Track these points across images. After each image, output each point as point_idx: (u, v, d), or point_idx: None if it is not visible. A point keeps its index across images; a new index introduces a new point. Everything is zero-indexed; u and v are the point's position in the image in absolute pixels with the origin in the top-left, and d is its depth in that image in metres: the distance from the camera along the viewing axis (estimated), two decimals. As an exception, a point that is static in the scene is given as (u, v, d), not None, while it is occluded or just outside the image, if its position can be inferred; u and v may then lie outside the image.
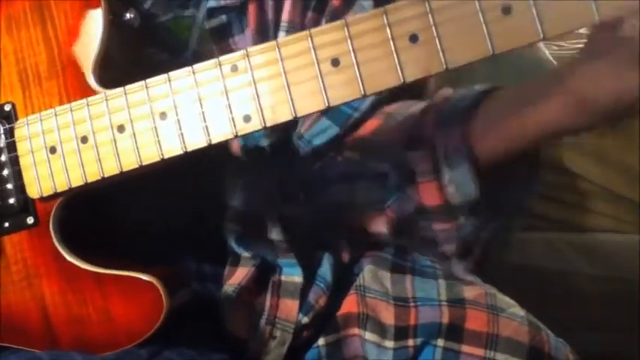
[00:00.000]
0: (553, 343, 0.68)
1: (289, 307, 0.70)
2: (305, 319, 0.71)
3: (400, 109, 0.70)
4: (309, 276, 0.72)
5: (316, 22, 0.71)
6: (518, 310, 0.70)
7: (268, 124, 0.56)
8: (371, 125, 0.71)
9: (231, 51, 0.67)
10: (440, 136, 0.62)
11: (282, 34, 0.70)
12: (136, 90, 0.58)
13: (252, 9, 0.68)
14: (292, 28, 0.71)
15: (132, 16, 0.64)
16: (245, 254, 0.71)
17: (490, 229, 0.64)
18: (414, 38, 0.53)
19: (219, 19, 0.67)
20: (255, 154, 0.69)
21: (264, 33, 0.69)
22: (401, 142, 0.66)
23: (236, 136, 0.56)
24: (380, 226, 0.71)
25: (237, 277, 0.70)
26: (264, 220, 0.70)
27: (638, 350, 1.21)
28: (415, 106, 0.69)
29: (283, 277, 0.71)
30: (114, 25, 0.62)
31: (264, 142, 0.69)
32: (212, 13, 0.67)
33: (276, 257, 0.72)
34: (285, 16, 0.69)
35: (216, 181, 0.71)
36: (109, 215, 0.65)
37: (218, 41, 0.68)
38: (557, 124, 0.56)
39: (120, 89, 0.59)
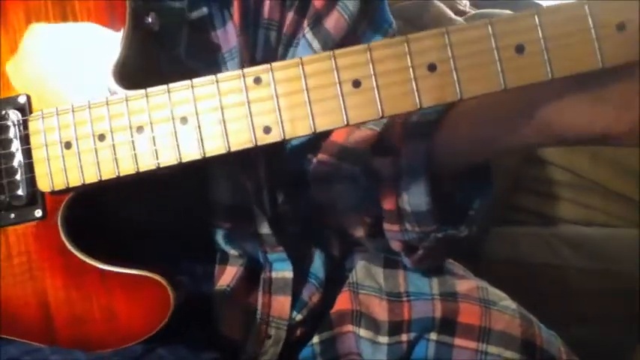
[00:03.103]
0: (545, 336, 0.70)
1: (282, 304, 0.71)
2: (299, 317, 0.72)
3: None
4: (301, 272, 0.74)
5: (297, 24, 0.73)
6: (510, 303, 0.72)
7: (287, 137, 0.58)
8: (343, 130, 0.71)
9: (212, 44, 0.69)
10: (405, 146, 0.65)
11: (262, 31, 0.72)
12: (157, 93, 0.59)
13: (236, 4, 0.69)
14: (271, 26, 0.72)
15: (152, 20, 0.65)
16: (233, 252, 0.72)
17: (433, 237, 0.66)
18: (432, 67, 0.56)
19: (201, 11, 0.68)
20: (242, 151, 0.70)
21: (247, 29, 0.69)
22: (369, 149, 0.68)
23: (255, 146, 0.58)
24: (357, 230, 0.73)
25: (227, 276, 0.71)
26: (252, 215, 0.70)
27: (629, 342, 1.24)
28: None
29: (274, 274, 0.72)
30: (136, 29, 0.63)
31: None
32: (194, 4, 0.67)
33: (265, 253, 0.72)
34: (265, 13, 0.70)
35: (203, 180, 0.71)
36: (114, 213, 0.66)
37: (200, 34, 0.68)
38: (523, 142, 0.58)
39: (141, 91, 0.60)
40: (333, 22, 0.72)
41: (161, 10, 0.68)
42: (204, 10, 0.68)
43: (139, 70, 0.65)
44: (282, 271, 0.73)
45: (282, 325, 0.71)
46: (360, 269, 0.77)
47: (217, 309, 0.71)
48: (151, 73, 0.63)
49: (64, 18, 0.63)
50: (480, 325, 0.69)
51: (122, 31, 0.62)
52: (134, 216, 0.68)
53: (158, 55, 0.69)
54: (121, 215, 0.68)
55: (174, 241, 0.71)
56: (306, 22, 0.73)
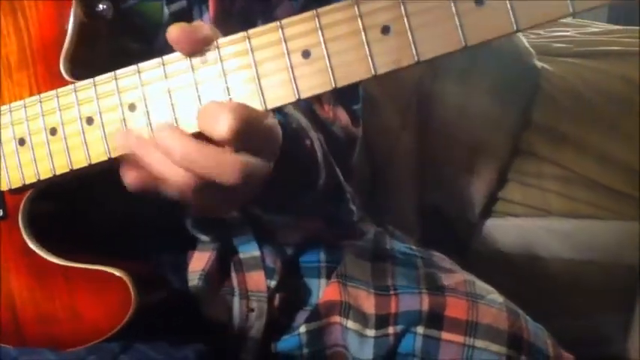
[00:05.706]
0: (532, 329, 0.69)
1: (256, 279, 0.71)
2: (272, 283, 0.71)
3: None
4: (264, 245, 0.73)
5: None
6: (497, 297, 0.71)
7: (238, 117, 0.55)
8: None
9: None
10: None
11: (235, 22, 0.70)
12: (105, 81, 0.57)
13: None
14: (243, 17, 0.70)
15: (104, 7, 0.63)
16: (204, 237, 0.71)
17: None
18: (385, 30, 0.52)
19: (180, 4, 0.67)
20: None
21: (223, 20, 0.68)
22: None
23: (206, 129, 0.55)
24: None
25: (199, 262, 0.70)
26: None
27: (617, 334, 1.23)
28: None
29: (241, 255, 0.72)
30: (86, 17, 0.61)
31: None
32: None
33: (232, 237, 0.72)
34: (237, 5, 0.69)
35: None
36: (78, 208, 0.64)
37: None
38: None
39: (89, 80, 0.58)
40: (283, 10, 0.71)
41: (141, 3, 0.67)
42: (184, 2, 0.68)
43: (97, 60, 0.63)
44: (250, 251, 0.72)
45: (262, 297, 0.70)
46: (348, 262, 0.75)
47: (198, 295, 0.70)
48: (113, 63, 0.60)
49: (13, 11, 0.61)
50: (467, 319, 0.69)
51: (70, 20, 0.60)
52: (100, 210, 0.67)
53: (123, 45, 0.68)
54: (87, 210, 0.66)
55: (144, 233, 0.69)
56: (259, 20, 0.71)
